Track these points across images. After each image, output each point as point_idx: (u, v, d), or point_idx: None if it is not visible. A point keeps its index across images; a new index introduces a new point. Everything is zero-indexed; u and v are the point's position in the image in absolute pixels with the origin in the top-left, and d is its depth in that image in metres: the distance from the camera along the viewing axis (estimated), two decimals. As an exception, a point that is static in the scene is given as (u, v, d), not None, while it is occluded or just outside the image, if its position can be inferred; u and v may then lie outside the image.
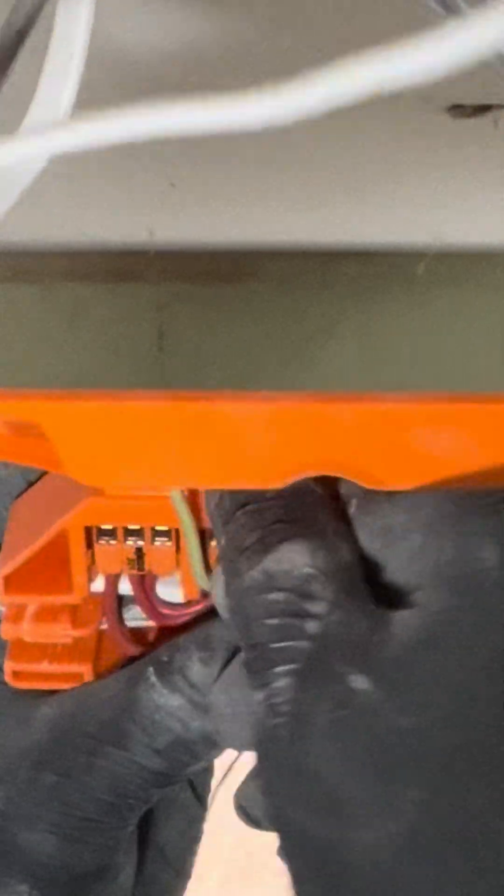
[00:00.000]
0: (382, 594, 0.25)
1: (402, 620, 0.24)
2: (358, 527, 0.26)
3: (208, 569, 0.27)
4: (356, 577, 0.25)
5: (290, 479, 0.26)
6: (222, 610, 0.26)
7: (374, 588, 0.25)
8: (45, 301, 0.60)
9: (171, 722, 0.27)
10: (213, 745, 0.28)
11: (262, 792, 0.25)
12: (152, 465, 0.26)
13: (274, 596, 0.24)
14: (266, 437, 0.26)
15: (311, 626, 0.24)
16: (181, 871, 0.33)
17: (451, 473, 0.26)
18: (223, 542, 0.26)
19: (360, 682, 0.23)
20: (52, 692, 0.29)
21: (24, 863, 0.28)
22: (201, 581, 0.27)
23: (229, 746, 0.28)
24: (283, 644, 0.24)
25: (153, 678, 0.27)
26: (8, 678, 0.29)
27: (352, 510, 0.26)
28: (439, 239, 0.56)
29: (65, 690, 0.29)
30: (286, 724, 0.23)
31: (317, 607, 0.24)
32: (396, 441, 0.26)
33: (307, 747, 0.23)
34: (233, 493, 0.26)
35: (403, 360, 0.59)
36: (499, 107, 0.46)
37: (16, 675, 0.29)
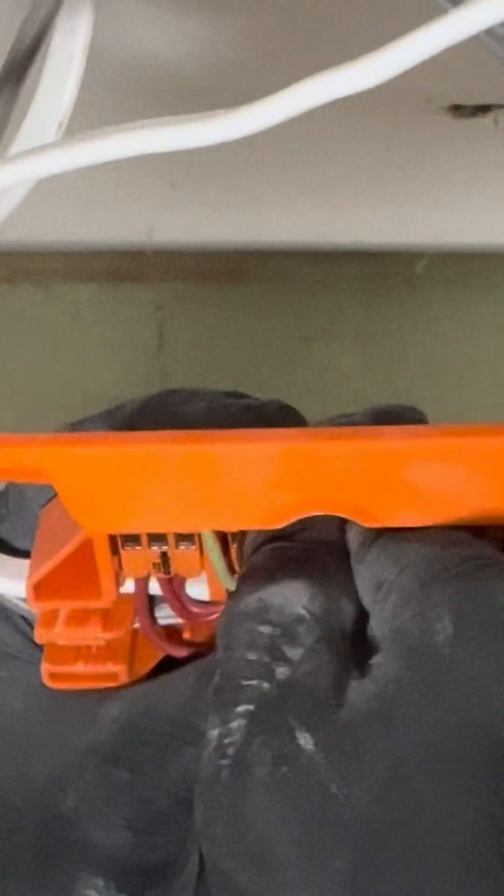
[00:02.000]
0: (367, 652, 0.25)
1: (360, 686, 0.23)
2: (356, 576, 0.26)
3: (232, 570, 0.28)
4: (344, 632, 0.25)
5: (290, 519, 0.26)
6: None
7: (363, 645, 0.25)
8: (45, 301, 0.60)
9: None
10: None
11: (197, 832, 0.25)
12: (153, 509, 0.27)
13: (261, 628, 0.24)
14: (263, 478, 0.26)
15: (281, 671, 0.24)
16: None
17: (450, 511, 0.26)
18: (244, 569, 0.27)
19: (306, 740, 0.23)
20: (115, 691, 0.30)
21: (100, 858, 0.29)
22: (226, 583, 0.28)
23: None
24: (249, 682, 0.24)
25: None
26: (45, 680, 0.30)
27: (351, 559, 0.26)
28: (439, 239, 0.56)
29: (127, 689, 0.29)
30: (229, 768, 0.23)
31: (293, 652, 0.24)
32: (394, 478, 0.26)
33: (245, 797, 0.23)
34: (269, 532, 0.27)
35: (403, 360, 0.59)
36: (499, 107, 0.46)
37: (52, 676, 0.30)
